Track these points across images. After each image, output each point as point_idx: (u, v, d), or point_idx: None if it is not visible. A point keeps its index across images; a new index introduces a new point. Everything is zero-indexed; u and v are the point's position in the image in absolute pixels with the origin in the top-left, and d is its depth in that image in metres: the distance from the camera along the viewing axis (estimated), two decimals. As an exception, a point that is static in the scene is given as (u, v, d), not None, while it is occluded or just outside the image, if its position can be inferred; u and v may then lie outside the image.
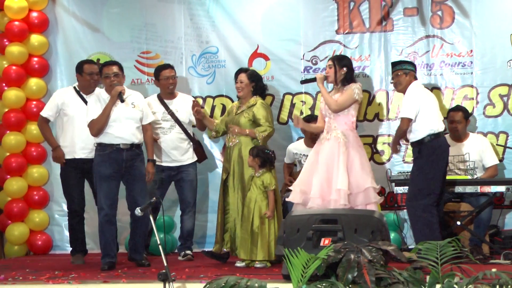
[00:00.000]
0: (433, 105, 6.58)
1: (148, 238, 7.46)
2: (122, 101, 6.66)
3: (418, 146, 6.51)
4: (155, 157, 7.10)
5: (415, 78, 6.69)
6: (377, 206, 6.54)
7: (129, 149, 6.72)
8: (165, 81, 7.51)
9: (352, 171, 6.38)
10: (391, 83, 6.86)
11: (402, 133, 6.62)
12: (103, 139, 6.70)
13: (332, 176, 6.39)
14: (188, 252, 7.46)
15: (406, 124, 6.52)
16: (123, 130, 6.69)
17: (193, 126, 7.67)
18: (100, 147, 6.72)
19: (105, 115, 6.64)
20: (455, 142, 7.31)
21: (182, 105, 7.55)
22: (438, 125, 6.52)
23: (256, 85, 7.13)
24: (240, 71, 7.24)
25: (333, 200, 6.31)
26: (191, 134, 7.61)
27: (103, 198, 6.71)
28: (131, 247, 6.91)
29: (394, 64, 6.79)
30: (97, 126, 6.65)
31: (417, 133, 6.51)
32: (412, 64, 6.82)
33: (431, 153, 6.46)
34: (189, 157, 7.56)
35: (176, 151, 7.46)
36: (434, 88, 7.80)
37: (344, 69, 6.57)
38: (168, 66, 7.63)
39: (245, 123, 7.03)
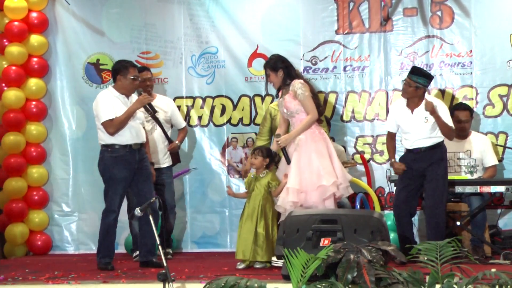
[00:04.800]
0: None
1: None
2: (155, 111, 6.81)
3: (438, 149, 6.70)
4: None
5: (424, 92, 6.73)
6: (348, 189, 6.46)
7: (139, 149, 6.68)
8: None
9: (306, 170, 6.32)
10: (403, 81, 6.80)
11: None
12: (116, 140, 6.58)
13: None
14: (168, 250, 7.40)
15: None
16: (135, 130, 6.64)
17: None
18: (111, 148, 6.58)
19: (129, 118, 6.56)
20: (457, 139, 7.32)
21: (161, 106, 7.48)
22: None
23: None
24: None
25: (282, 198, 6.33)
26: (169, 136, 7.55)
27: (118, 201, 6.61)
28: (144, 249, 6.71)
29: (413, 72, 6.71)
30: (119, 126, 6.53)
31: (436, 138, 6.71)
32: (429, 78, 6.73)
33: (446, 156, 6.79)
34: (168, 160, 7.51)
35: (157, 153, 7.39)
36: (433, 89, 7.82)
37: (281, 70, 6.52)
38: (144, 69, 7.56)
39: None
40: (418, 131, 6.71)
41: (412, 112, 6.73)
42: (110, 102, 6.59)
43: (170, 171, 7.56)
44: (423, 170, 6.68)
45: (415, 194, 6.82)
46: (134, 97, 6.72)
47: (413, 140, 6.74)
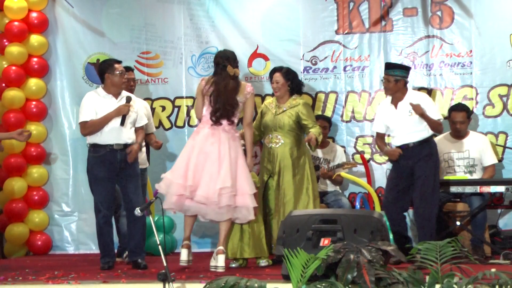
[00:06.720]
0: None
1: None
2: (122, 124, 6.60)
3: (426, 145, 6.62)
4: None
5: (405, 84, 6.71)
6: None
7: (122, 150, 6.65)
8: None
9: None
10: (382, 81, 6.86)
11: None
12: (97, 139, 6.62)
13: None
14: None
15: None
16: (118, 132, 6.63)
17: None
18: (93, 148, 6.65)
19: (105, 123, 6.58)
20: (455, 139, 7.33)
21: (140, 108, 7.44)
22: None
23: (292, 83, 7.02)
24: (274, 70, 7.05)
25: None
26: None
27: (100, 200, 6.67)
28: (131, 249, 6.78)
29: (387, 67, 6.77)
30: (92, 129, 6.58)
31: (423, 133, 6.63)
32: (405, 69, 6.78)
33: (436, 151, 6.67)
34: (146, 161, 7.44)
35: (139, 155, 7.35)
36: (433, 89, 7.83)
37: (216, 67, 6.59)
38: (128, 69, 7.42)
39: (289, 123, 6.83)
40: (404, 126, 6.66)
41: (396, 107, 6.72)
42: (91, 103, 6.63)
43: (146, 172, 7.46)
44: (411, 168, 6.62)
45: (405, 193, 6.71)
46: (123, 100, 6.70)
47: (400, 136, 6.70)
